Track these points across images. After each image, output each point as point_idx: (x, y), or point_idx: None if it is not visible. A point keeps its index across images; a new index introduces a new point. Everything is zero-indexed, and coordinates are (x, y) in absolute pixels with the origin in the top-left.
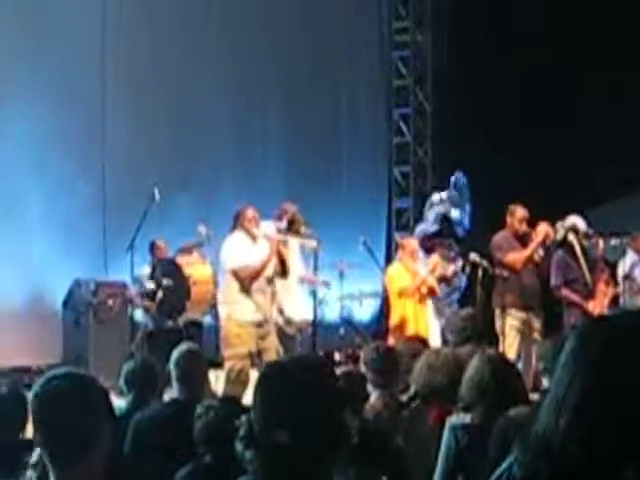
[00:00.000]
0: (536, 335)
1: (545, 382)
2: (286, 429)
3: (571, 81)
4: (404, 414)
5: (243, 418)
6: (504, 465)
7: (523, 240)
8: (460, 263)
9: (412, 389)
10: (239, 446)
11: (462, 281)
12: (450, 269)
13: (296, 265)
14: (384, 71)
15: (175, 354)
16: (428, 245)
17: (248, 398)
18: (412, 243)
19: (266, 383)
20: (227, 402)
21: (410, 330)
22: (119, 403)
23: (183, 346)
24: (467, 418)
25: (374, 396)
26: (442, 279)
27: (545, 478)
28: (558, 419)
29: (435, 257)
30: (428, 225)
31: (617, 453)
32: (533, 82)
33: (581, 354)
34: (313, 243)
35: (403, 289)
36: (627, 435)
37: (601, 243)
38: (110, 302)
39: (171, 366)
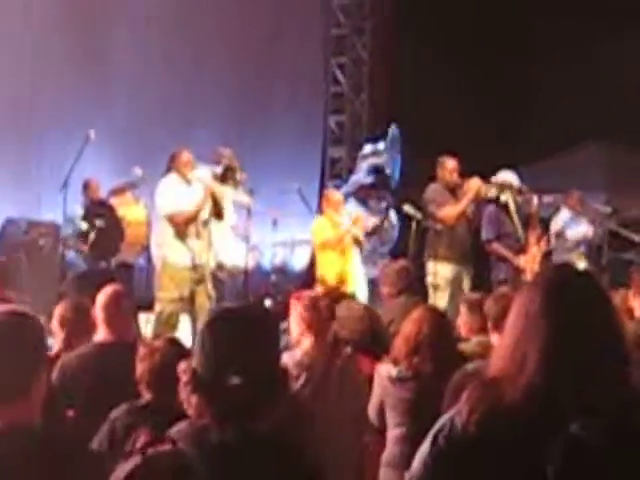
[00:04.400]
0: (465, 289)
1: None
2: (238, 373)
3: (517, 36)
4: (337, 362)
5: (183, 364)
6: (446, 416)
7: (455, 192)
8: (377, 219)
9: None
10: (183, 392)
11: (394, 234)
12: (370, 222)
13: (229, 213)
14: (323, 19)
15: (100, 297)
16: (362, 196)
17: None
18: (336, 195)
19: (215, 329)
20: (172, 345)
21: (336, 283)
22: (50, 343)
23: (108, 288)
24: (394, 371)
25: (307, 343)
26: (367, 233)
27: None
28: None
29: (358, 211)
30: (361, 176)
31: None
32: (477, 34)
33: None
34: (246, 199)
35: (325, 241)
36: None
37: (535, 199)
38: (41, 242)
39: (97, 309)
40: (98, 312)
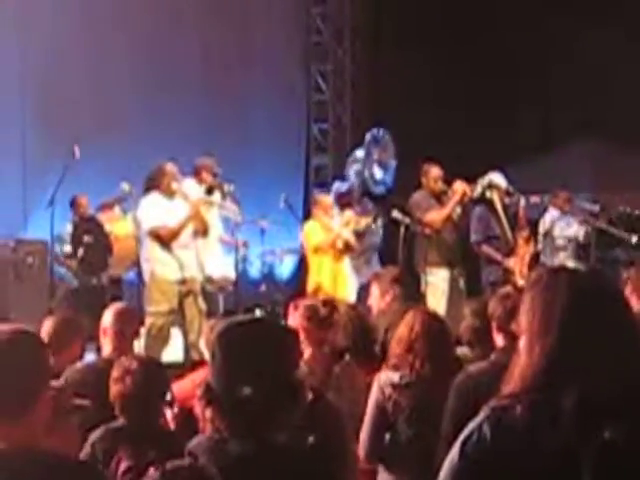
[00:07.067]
0: (461, 293)
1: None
2: (249, 384)
3: (500, 41)
4: (335, 370)
5: (199, 378)
6: (472, 424)
7: (440, 198)
8: (371, 217)
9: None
10: (198, 405)
11: (377, 238)
12: (362, 222)
13: (216, 224)
14: (302, 27)
15: (110, 313)
16: (343, 202)
17: (168, 354)
18: (326, 199)
19: (226, 341)
20: (147, 366)
21: (328, 288)
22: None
23: (118, 305)
24: (396, 376)
25: (307, 353)
26: (357, 235)
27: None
28: None
29: (349, 212)
30: (347, 183)
31: None
32: (459, 39)
33: None
34: (234, 209)
35: (318, 245)
36: None
37: (522, 201)
38: (30, 260)
39: (106, 324)
40: (107, 329)
